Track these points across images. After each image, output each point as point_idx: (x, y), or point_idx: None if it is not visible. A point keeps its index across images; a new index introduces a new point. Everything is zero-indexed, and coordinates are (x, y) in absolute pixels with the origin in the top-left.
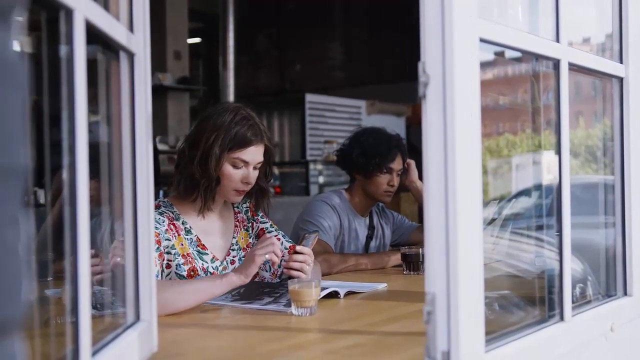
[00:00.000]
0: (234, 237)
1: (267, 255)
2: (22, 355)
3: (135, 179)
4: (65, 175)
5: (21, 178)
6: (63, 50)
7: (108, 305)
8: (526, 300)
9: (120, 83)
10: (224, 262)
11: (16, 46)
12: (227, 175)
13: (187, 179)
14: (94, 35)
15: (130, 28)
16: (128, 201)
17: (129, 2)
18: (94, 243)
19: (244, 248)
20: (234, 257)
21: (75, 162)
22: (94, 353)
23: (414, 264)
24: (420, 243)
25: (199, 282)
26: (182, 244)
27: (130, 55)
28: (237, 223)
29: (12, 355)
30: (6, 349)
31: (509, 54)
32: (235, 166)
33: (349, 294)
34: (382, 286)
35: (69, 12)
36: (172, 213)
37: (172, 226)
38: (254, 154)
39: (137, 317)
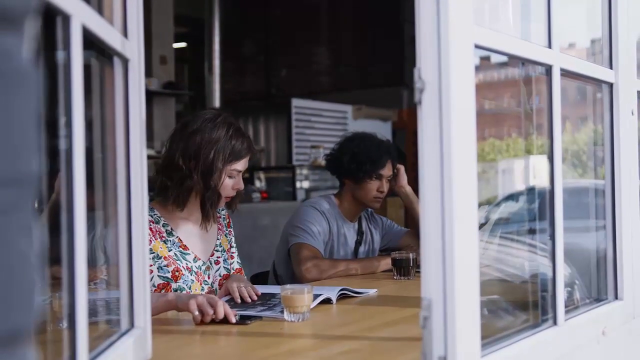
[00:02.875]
0: (218, 239)
1: (196, 312)
2: None
3: (130, 185)
4: (62, 181)
5: (34, 186)
6: (60, 55)
7: (100, 311)
8: (518, 304)
9: (114, 88)
10: (208, 262)
11: (29, 53)
12: (224, 186)
13: (185, 192)
14: (89, 41)
15: (125, 34)
16: (122, 207)
17: (122, 8)
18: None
19: (227, 250)
20: (218, 257)
21: (72, 168)
22: None
23: (404, 268)
24: (409, 248)
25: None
26: (161, 247)
27: (125, 61)
28: (220, 226)
29: None
30: (20, 357)
31: (495, 58)
32: (230, 176)
33: (342, 297)
34: (372, 292)
35: (66, 18)
36: (152, 216)
37: (149, 230)
38: (246, 162)
39: (132, 324)
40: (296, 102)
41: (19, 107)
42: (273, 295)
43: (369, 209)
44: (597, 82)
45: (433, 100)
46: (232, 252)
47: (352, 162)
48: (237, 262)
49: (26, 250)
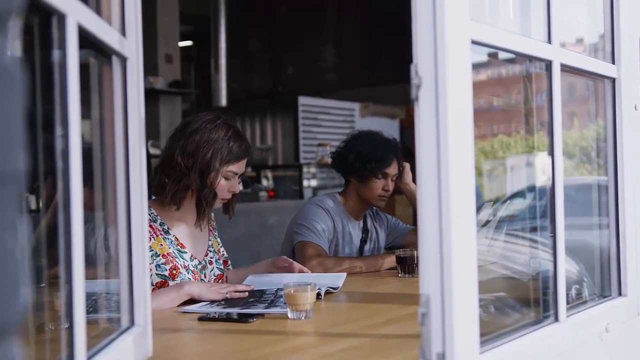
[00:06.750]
0: (210, 240)
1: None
2: (21, 359)
3: (129, 184)
4: (59, 181)
5: (19, 183)
6: (55, 54)
7: (101, 309)
8: (521, 301)
9: (113, 88)
10: (203, 262)
11: (13, 51)
12: (220, 187)
13: (182, 189)
14: (86, 40)
15: (123, 32)
16: (122, 207)
17: (120, 6)
18: (87, 249)
19: (217, 252)
20: (211, 258)
21: (68, 168)
22: (89, 358)
23: (408, 266)
24: (414, 245)
25: (158, 299)
26: (161, 245)
27: (123, 60)
28: (211, 228)
29: (11, 359)
30: (5, 353)
31: (502, 55)
32: (226, 178)
33: (327, 293)
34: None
35: (62, 17)
36: (149, 215)
37: (149, 228)
38: (242, 166)
39: (132, 322)
40: (303, 100)
41: (3, 105)
42: (262, 294)
43: (374, 207)
44: (600, 77)
45: (430, 97)
46: (223, 253)
47: (357, 160)
48: (218, 267)
49: (11, 246)
